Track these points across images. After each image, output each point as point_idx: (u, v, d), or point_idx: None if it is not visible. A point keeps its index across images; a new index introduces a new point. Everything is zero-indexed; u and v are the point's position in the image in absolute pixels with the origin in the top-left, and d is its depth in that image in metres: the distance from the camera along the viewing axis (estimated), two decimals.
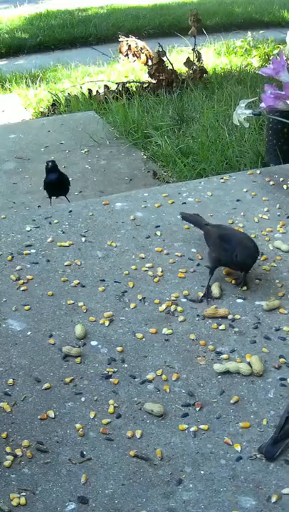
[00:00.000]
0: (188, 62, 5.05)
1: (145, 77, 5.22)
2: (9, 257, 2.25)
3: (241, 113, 2.82)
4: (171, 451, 1.54)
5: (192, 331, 1.91)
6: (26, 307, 2.01)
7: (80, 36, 7.58)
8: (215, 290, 2.06)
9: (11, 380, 1.74)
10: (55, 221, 2.47)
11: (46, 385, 1.72)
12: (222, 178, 2.80)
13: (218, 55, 6.36)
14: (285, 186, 2.70)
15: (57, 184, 2.91)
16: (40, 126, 4.33)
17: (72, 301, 2.04)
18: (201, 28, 5.52)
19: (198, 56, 5.04)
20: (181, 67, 5.27)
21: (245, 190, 2.69)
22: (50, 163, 2.86)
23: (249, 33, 6.62)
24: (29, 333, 1.91)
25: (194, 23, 4.98)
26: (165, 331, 1.91)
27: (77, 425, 1.60)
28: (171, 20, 7.78)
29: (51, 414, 1.63)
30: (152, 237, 2.37)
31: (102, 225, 2.45)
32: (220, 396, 1.68)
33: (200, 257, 2.24)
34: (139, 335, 1.89)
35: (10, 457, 1.51)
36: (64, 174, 2.99)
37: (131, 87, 5.00)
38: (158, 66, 4.91)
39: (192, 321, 1.95)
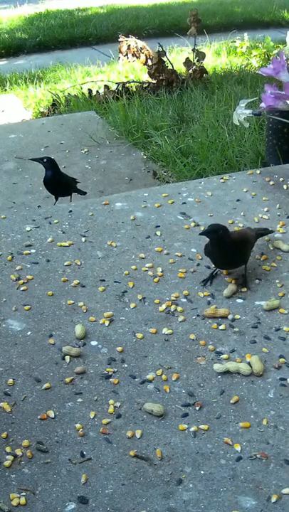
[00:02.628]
0: (188, 62, 5.05)
1: (145, 77, 5.22)
2: (9, 257, 2.25)
3: (241, 113, 2.82)
4: (171, 451, 1.54)
5: (192, 331, 1.91)
6: (26, 307, 2.01)
7: (80, 36, 7.58)
8: (226, 291, 2.06)
9: (11, 380, 1.74)
10: (55, 221, 2.47)
11: (46, 385, 1.72)
12: (222, 178, 2.80)
13: (218, 55, 6.36)
14: (285, 186, 2.70)
15: (54, 183, 2.90)
16: (40, 126, 4.33)
17: (72, 301, 2.04)
18: (202, 29, 5.52)
19: (199, 56, 5.04)
20: (181, 67, 5.27)
21: (245, 190, 2.69)
22: (45, 160, 2.84)
23: (246, 34, 6.62)
24: (29, 333, 1.91)
25: (194, 23, 4.98)
26: (165, 331, 1.91)
27: (77, 425, 1.60)
28: (171, 20, 7.78)
29: (51, 414, 1.63)
30: (152, 237, 2.37)
31: (102, 225, 2.45)
32: (220, 396, 1.68)
33: (200, 257, 2.24)
34: (139, 335, 1.89)
35: (10, 457, 1.51)
36: (65, 174, 2.98)
37: (131, 87, 5.00)
38: (158, 66, 4.91)
39: (192, 321, 1.95)
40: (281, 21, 8.17)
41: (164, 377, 1.74)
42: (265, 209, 2.54)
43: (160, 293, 2.07)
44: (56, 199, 3.02)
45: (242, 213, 2.51)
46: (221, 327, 1.92)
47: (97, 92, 4.99)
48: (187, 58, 5.07)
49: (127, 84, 5.01)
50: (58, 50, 7.35)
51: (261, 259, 2.23)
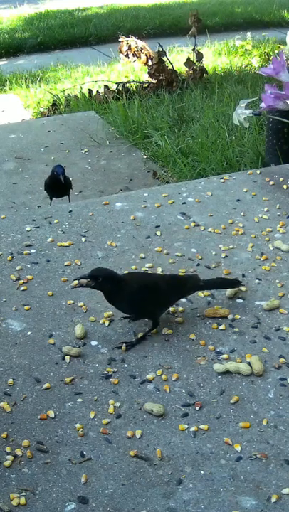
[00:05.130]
0: (188, 62, 5.05)
1: (145, 77, 5.22)
2: (9, 257, 2.25)
3: (241, 113, 2.82)
4: (171, 451, 1.54)
5: (192, 331, 1.91)
6: (26, 307, 2.01)
7: (80, 36, 7.58)
8: (228, 291, 2.05)
9: (11, 380, 1.73)
10: (55, 221, 2.47)
11: (46, 385, 1.72)
12: (222, 178, 2.80)
13: (218, 55, 6.36)
14: (285, 186, 2.70)
15: (61, 187, 2.93)
16: (40, 126, 4.33)
17: (72, 301, 2.04)
18: (203, 29, 5.52)
19: (199, 56, 5.04)
20: (181, 67, 5.27)
21: (245, 190, 2.69)
22: (59, 170, 2.86)
23: (249, 33, 6.62)
24: (29, 333, 1.91)
25: (195, 23, 4.98)
26: (165, 331, 1.91)
27: (77, 425, 1.60)
28: (171, 20, 7.78)
29: (51, 414, 1.63)
30: (152, 237, 2.37)
31: (102, 225, 2.45)
32: (220, 396, 1.68)
33: (200, 257, 2.24)
34: (139, 335, 1.89)
35: (10, 457, 1.51)
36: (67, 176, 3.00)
37: (131, 87, 5.00)
38: (158, 66, 4.92)
39: (192, 321, 1.95)
40: (281, 21, 8.17)
41: (164, 377, 1.74)
42: (265, 209, 2.54)
43: None
44: (51, 199, 3.03)
45: (242, 213, 2.51)
46: (221, 327, 1.92)
47: (97, 92, 4.99)
48: (188, 58, 5.07)
49: (127, 84, 5.01)
50: (58, 50, 7.36)
51: (261, 259, 2.23)
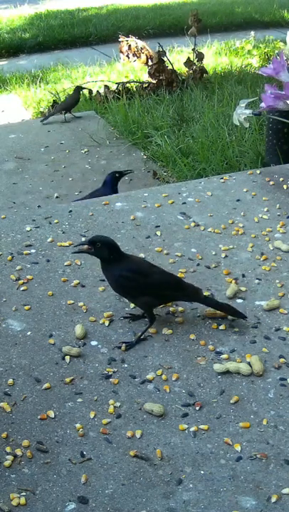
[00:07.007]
0: (188, 62, 5.05)
1: (145, 77, 5.22)
2: (9, 257, 2.25)
3: (241, 113, 2.82)
4: (171, 451, 1.54)
5: (192, 331, 1.91)
6: (26, 307, 2.01)
7: (80, 36, 7.59)
8: (228, 291, 2.05)
9: (11, 380, 1.73)
10: (55, 221, 2.47)
11: (46, 385, 1.72)
12: (222, 178, 2.80)
13: (218, 55, 6.36)
14: (285, 186, 2.70)
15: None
16: (40, 126, 4.33)
17: (72, 301, 2.04)
18: (203, 29, 5.52)
19: (199, 56, 5.04)
20: (181, 67, 5.27)
21: (245, 190, 2.69)
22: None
23: (253, 33, 6.63)
24: (29, 333, 1.91)
25: (195, 23, 4.98)
26: (165, 331, 1.91)
27: (77, 425, 1.60)
28: (171, 20, 7.79)
29: (51, 414, 1.63)
30: (152, 237, 2.37)
31: (102, 225, 2.45)
32: (220, 396, 1.68)
33: (200, 257, 2.24)
34: (139, 335, 1.89)
35: (10, 457, 1.51)
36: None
37: (131, 87, 5.01)
38: (158, 66, 4.92)
39: (192, 321, 1.95)
40: (281, 21, 8.18)
41: (164, 377, 1.74)
42: (265, 209, 2.54)
43: None
44: None
45: (242, 213, 2.51)
46: (221, 327, 1.92)
47: (98, 92, 4.99)
48: (188, 58, 5.08)
49: (127, 84, 5.01)
50: (58, 50, 7.36)
51: (261, 259, 2.23)
